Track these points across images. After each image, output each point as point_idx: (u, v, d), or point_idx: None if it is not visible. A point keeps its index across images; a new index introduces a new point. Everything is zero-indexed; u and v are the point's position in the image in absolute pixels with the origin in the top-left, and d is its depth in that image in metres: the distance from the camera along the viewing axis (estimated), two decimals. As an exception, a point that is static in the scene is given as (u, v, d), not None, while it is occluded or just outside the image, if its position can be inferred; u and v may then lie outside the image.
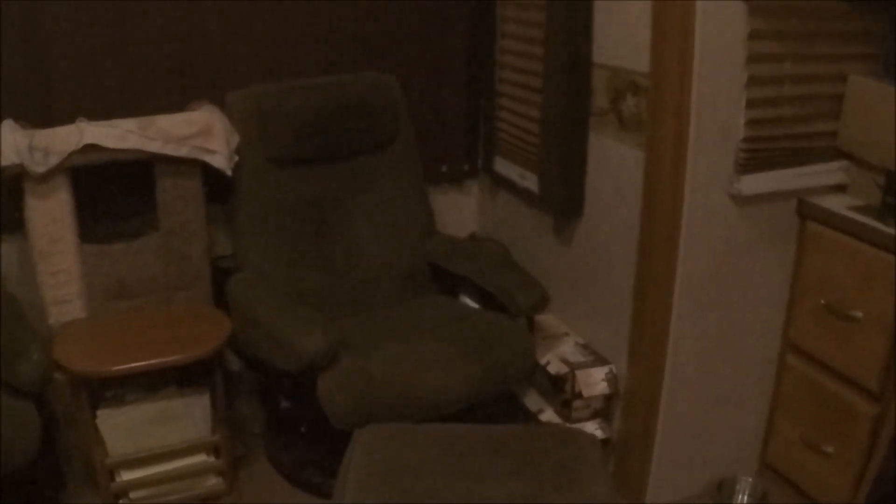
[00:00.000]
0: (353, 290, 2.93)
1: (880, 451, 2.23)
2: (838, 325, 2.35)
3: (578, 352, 2.78)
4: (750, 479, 2.68)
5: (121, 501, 2.54)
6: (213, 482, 2.63)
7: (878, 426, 2.28)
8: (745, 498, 2.67)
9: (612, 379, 2.70)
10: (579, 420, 2.74)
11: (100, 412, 2.49)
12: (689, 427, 2.59)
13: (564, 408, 2.75)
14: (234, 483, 2.74)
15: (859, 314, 2.28)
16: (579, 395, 2.68)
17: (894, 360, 2.22)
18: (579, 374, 2.67)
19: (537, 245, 3.09)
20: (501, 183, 3.26)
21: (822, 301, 2.40)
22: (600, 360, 2.73)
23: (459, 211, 3.48)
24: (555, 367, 2.75)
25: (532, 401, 2.89)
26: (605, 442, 2.77)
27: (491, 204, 3.41)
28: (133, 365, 2.38)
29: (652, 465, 2.59)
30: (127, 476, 2.50)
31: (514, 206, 3.20)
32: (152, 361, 2.40)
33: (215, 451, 2.62)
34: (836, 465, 2.42)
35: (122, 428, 2.46)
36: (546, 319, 3.01)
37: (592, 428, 2.75)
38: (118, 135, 2.55)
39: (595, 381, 2.68)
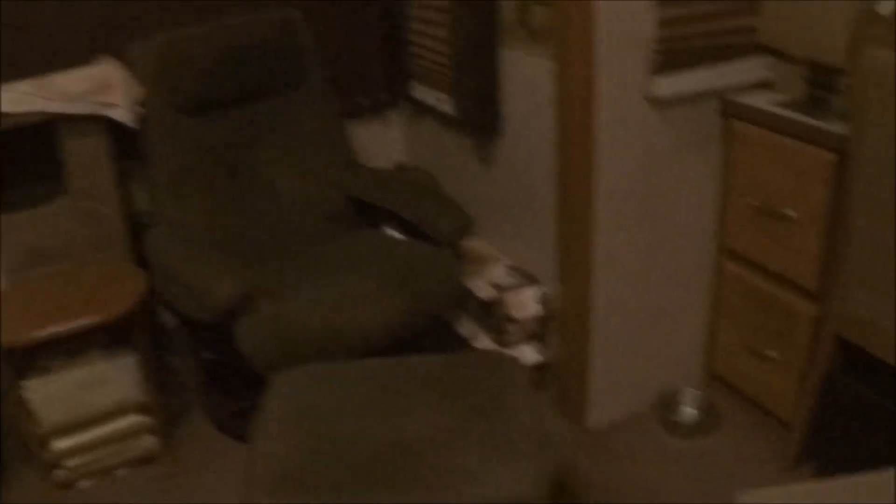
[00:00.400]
0: (275, 233, 2.83)
1: (824, 352, 2.20)
2: (772, 225, 2.30)
3: (509, 275, 2.71)
4: (695, 391, 2.64)
5: (57, 471, 2.49)
6: (147, 442, 2.58)
7: (818, 326, 2.24)
8: (692, 410, 2.64)
9: (544, 300, 2.63)
10: (514, 344, 2.68)
11: (26, 383, 2.42)
12: (627, 343, 2.54)
13: (498, 333, 2.69)
14: (171, 441, 2.67)
15: (792, 212, 2.23)
16: (511, 319, 2.62)
17: (831, 257, 2.17)
18: (509, 297, 2.61)
19: (462, 170, 3.00)
20: (422, 110, 3.16)
21: (755, 202, 2.35)
22: (531, 282, 2.66)
23: (385, 142, 3.38)
24: (484, 292, 2.68)
25: (466, 328, 2.83)
26: (543, 365, 2.71)
27: (415, 132, 3.31)
28: (48, 331, 2.30)
29: (590, 386, 2.54)
30: (60, 444, 2.46)
31: (437, 132, 3.10)
32: (68, 325, 2.32)
33: (147, 410, 2.56)
34: (780, 370, 2.39)
35: (51, 397, 2.42)
36: (475, 245, 2.94)
37: (528, 351, 2.69)
38: (14, 98, 2.45)
39: (526, 303, 2.62)
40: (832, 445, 2.19)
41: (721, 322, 2.60)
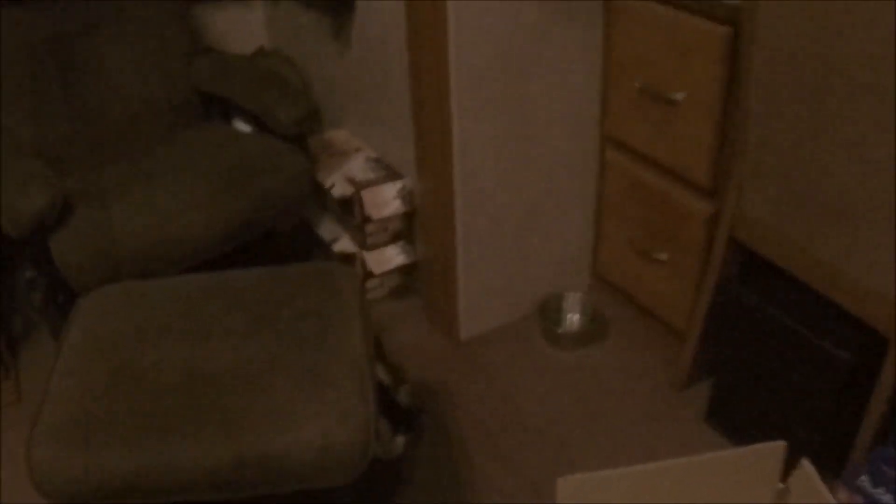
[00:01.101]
0: (110, 133, 2.42)
1: (718, 257, 1.88)
2: (658, 111, 1.95)
3: (369, 168, 2.34)
4: (579, 295, 2.33)
5: None
6: None
7: (712, 227, 1.91)
8: (575, 317, 2.33)
9: (407, 196, 2.27)
10: (377, 245, 2.34)
11: None
12: (499, 244, 2.21)
13: (358, 233, 2.34)
14: (13, 363, 2.37)
15: (680, 96, 1.86)
16: (368, 218, 2.26)
17: (725, 149, 1.82)
18: (366, 194, 2.25)
19: (322, 54, 2.59)
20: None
21: (637, 84, 1.98)
22: (392, 176, 2.30)
23: (246, 26, 2.96)
24: (340, 189, 2.31)
25: (327, 229, 2.48)
26: (410, 268, 2.38)
27: (276, 14, 2.86)
28: None
29: (459, 293, 2.21)
30: None
31: (297, 12, 2.67)
32: None
33: None
34: (672, 274, 2.08)
35: None
36: (336, 135, 2.56)
37: (393, 253, 2.35)
38: None
39: (386, 201, 2.26)
40: (727, 360, 1.90)
41: (606, 221, 2.27)
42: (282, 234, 2.41)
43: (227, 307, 1.65)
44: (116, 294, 1.73)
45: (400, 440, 1.90)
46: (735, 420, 1.92)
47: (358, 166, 2.35)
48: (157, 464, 1.38)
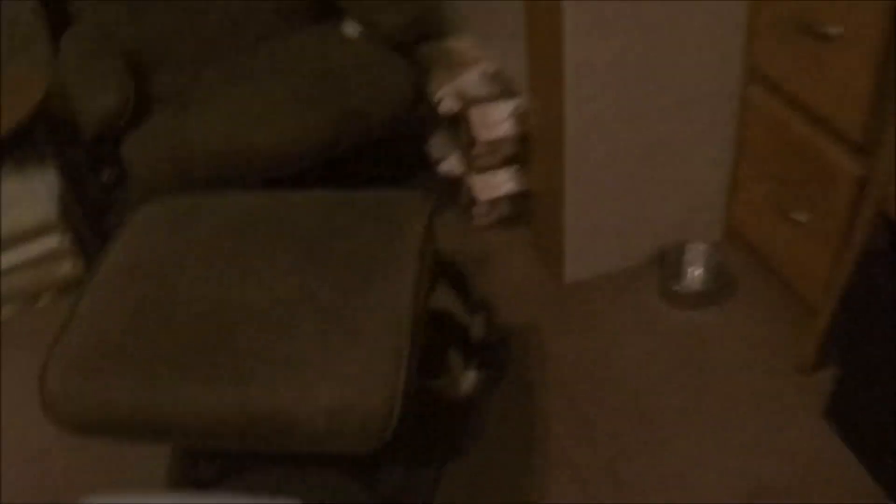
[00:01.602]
0: (211, 32, 2.30)
1: (864, 227, 1.56)
2: (809, 45, 1.61)
3: (483, 83, 2.11)
4: (704, 247, 2.04)
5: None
6: (67, 266, 2.29)
7: (861, 190, 1.59)
8: (697, 271, 2.05)
9: (521, 117, 2.03)
10: (485, 169, 2.13)
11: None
12: (615, 181, 1.96)
13: (466, 154, 2.13)
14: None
15: (836, 29, 1.53)
16: (475, 139, 2.05)
17: (883, 99, 1.48)
18: (475, 112, 2.03)
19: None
20: None
21: (788, 12, 1.64)
22: (507, 94, 2.06)
23: None
24: (448, 104, 2.10)
25: (436, 146, 2.28)
26: (523, 196, 2.16)
27: None
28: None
29: (566, 230, 1.99)
30: None
31: None
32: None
33: (65, 232, 2.26)
34: (811, 238, 1.77)
35: None
36: (458, 44, 2.33)
37: (503, 178, 2.14)
38: None
39: (497, 121, 2.04)
40: (861, 350, 1.59)
41: (744, 168, 1.96)
42: (385, 147, 2.24)
43: (277, 236, 1.51)
44: (169, 209, 1.63)
45: (471, 376, 1.71)
46: (858, 422, 1.62)
47: (472, 80, 2.12)
48: (164, 403, 1.28)
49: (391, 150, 2.30)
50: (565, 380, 1.84)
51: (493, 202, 2.19)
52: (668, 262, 2.04)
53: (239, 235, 1.52)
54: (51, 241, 2.25)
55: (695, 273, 2.05)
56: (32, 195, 2.23)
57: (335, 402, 1.23)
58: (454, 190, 2.27)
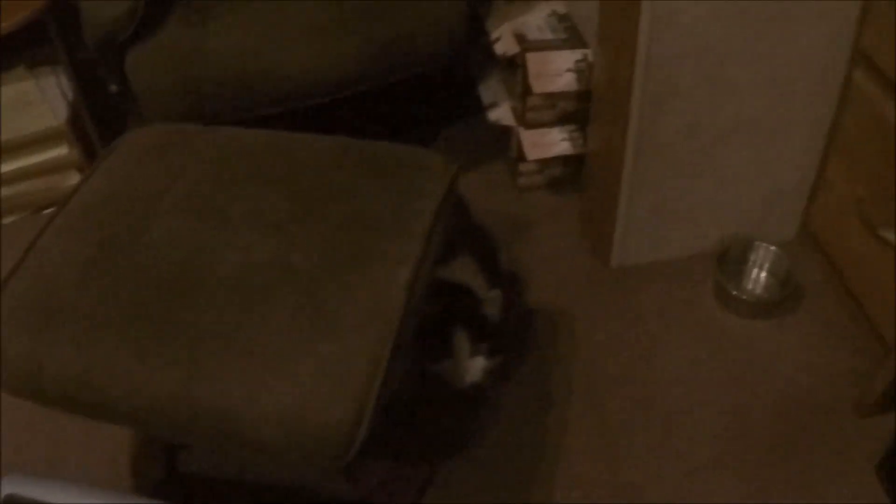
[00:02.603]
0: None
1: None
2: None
3: (548, 27, 1.84)
4: (774, 249, 1.76)
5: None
6: (75, 179, 2.14)
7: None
8: (763, 275, 1.78)
9: (585, 71, 1.76)
10: (538, 124, 1.88)
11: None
12: (683, 157, 1.68)
13: (519, 104, 1.87)
14: None
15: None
16: (529, 89, 1.78)
17: None
18: (532, 58, 1.76)
19: None
20: None
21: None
22: (572, 43, 1.78)
23: None
24: (504, 46, 1.83)
25: (489, 89, 2.02)
26: (578, 160, 1.89)
27: None
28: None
29: (619, 207, 1.73)
30: None
31: None
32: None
33: (74, 143, 2.09)
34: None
35: None
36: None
37: (557, 137, 1.88)
38: None
39: (556, 72, 1.78)
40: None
41: (834, 163, 1.66)
42: (431, 85, 1.98)
43: (269, 186, 1.29)
44: (158, 138, 1.42)
45: (479, 363, 1.47)
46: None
47: (535, 21, 1.85)
48: (97, 377, 1.09)
49: (437, 88, 2.04)
50: (592, 381, 1.61)
51: (543, 162, 1.93)
52: (729, 258, 1.77)
53: (227, 180, 1.30)
54: (59, 151, 2.09)
55: (759, 276, 1.78)
56: (42, 99, 2.06)
57: (288, 408, 1.02)
58: (503, 142, 2.01)
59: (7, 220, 2.13)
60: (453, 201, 1.30)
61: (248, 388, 1.03)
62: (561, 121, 1.86)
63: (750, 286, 1.78)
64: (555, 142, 1.87)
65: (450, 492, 1.45)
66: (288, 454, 1.04)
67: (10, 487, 1.09)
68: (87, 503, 1.10)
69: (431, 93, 2.14)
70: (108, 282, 1.15)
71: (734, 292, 1.70)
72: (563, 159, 1.92)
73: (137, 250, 1.19)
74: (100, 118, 2.18)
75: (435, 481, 1.47)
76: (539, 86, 1.77)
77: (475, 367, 1.46)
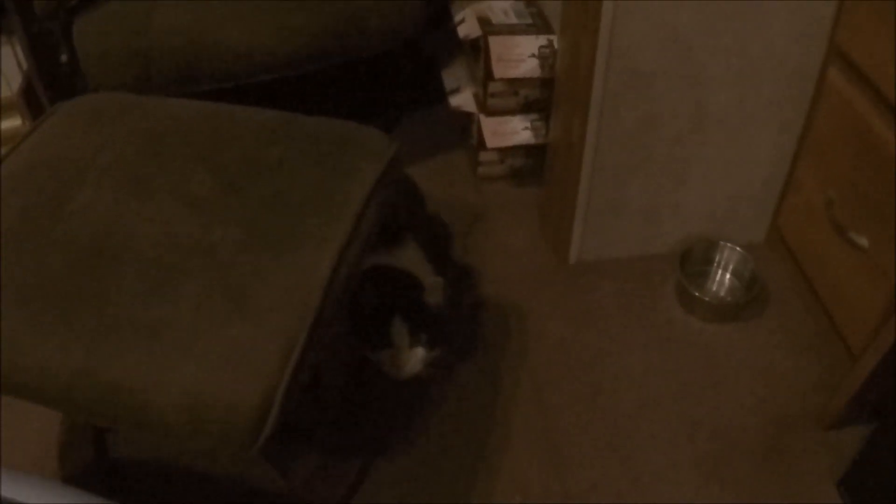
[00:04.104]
0: None
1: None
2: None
3: (513, 11, 1.76)
4: (739, 250, 1.69)
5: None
6: None
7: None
8: (727, 276, 1.71)
9: (549, 58, 1.68)
10: (500, 112, 1.80)
11: None
12: (648, 153, 1.62)
13: (481, 90, 1.79)
14: None
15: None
16: (490, 74, 1.71)
17: None
18: (495, 42, 1.69)
19: None
20: None
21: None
22: (537, 29, 1.71)
23: None
24: (465, 29, 1.76)
25: (452, 74, 1.94)
26: (540, 150, 1.82)
27: None
28: None
29: (578, 200, 1.65)
30: None
31: None
32: None
33: (28, 114, 2.03)
34: (867, 268, 1.41)
35: None
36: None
37: (518, 126, 1.81)
38: None
39: (518, 58, 1.70)
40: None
41: (805, 163, 1.59)
42: (389, 67, 1.90)
43: (199, 158, 1.21)
44: (93, 106, 1.35)
45: (418, 354, 1.39)
46: (878, 498, 1.29)
47: (501, 5, 1.77)
48: (8, 352, 1.00)
49: (399, 72, 1.97)
50: (541, 381, 1.53)
51: (504, 151, 1.86)
52: (693, 258, 1.70)
53: (155, 151, 1.23)
54: (11, 122, 2.04)
55: (723, 278, 1.71)
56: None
57: (193, 390, 0.95)
58: (464, 129, 1.94)
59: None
60: (394, 183, 1.22)
61: (152, 369, 0.96)
62: (523, 109, 1.79)
63: (713, 288, 1.71)
64: (516, 130, 1.80)
65: (384, 489, 1.37)
66: (194, 439, 0.97)
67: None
68: (13, 489, 0.98)
69: (393, 76, 2.06)
70: (21, 252, 1.09)
71: (696, 294, 1.63)
72: (525, 149, 1.85)
73: (55, 220, 1.13)
74: (54, 90, 2.10)
75: (369, 477, 1.39)
76: (500, 70, 1.70)
77: (415, 357, 1.39)
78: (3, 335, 1.01)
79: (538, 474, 1.39)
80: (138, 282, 1.05)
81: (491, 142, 1.81)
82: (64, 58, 1.93)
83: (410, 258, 1.44)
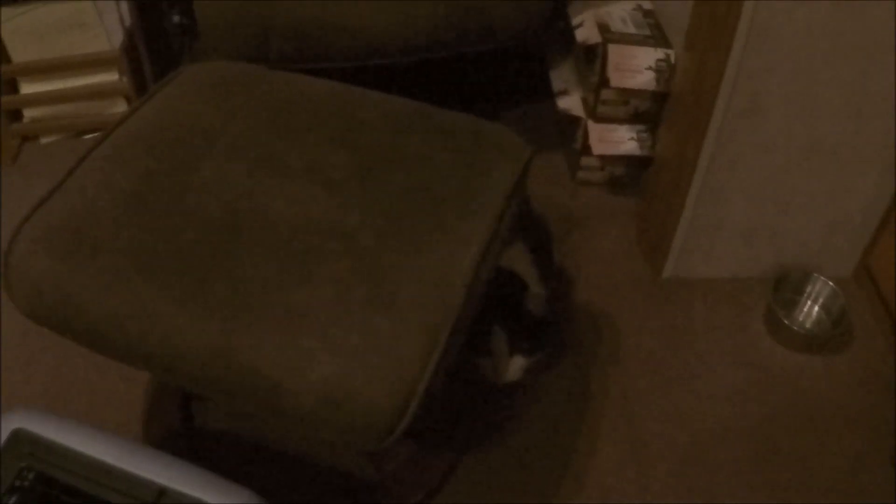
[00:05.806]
0: None
1: None
2: None
3: (631, 20, 1.76)
4: (831, 285, 1.69)
5: (17, 125, 2.09)
6: (122, 108, 2.10)
7: None
8: (815, 308, 1.71)
9: (665, 72, 1.69)
10: (608, 119, 1.80)
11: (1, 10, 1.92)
12: (758, 175, 1.61)
13: (592, 95, 1.80)
14: None
15: None
16: (606, 82, 1.71)
17: None
18: (614, 49, 1.69)
19: None
20: None
21: None
22: (656, 40, 1.71)
23: None
24: (584, 33, 1.76)
25: (560, 75, 1.95)
26: (643, 163, 1.82)
27: None
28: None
29: (682, 216, 1.66)
30: (28, 89, 2.05)
31: None
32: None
33: (125, 71, 2.05)
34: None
35: (25, 31, 1.96)
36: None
37: (625, 136, 1.81)
38: None
39: (635, 68, 1.70)
40: None
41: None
42: (501, 62, 1.91)
43: (337, 139, 1.21)
44: (219, 74, 1.33)
45: (518, 363, 1.41)
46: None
47: (619, 13, 1.78)
48: (130, 318, 1.01)
49: (507, 67, 1.97)
50: (630, 394, 1.55)
51: (606, 159, 1.87)
52: (785, 286, 1.70)
53: (287, 127, 1.23)
54: (109, 76, 2.06)
55: (811, 310, 1.71)
56: (98, 22, 2.00)
57: (332, 381, 0.95)
58: (567, 132, 1.94)
59: (46, 139, 2.08)
60: (525, 186, 1.23)
61: (290, 353, 0.96)
62: (631, 119, 1.79)
63: (801, 318, 1.71)
64: (623, 140, 1.80)
65: (470, 485, 1.39)
66: (325, 430, 0.98)
67: (17, 422, 0.97)
68: (102, 450, 0.98)
69: (499, 70, 2.07)
70: (150, 218, 1.08)
71: (786, 321, 1.63)
72: (627, 159, 1.85)
73: (184, 189, 1.12)
74: (155, 50, 2.12)
75: (456, 474, 1.41)
76: (617, 79, 1.70)
77: (514, 366, 1.41)
78: (136, 303, 1.00)
79: (620, 482, 1.41)
80: (274, 261, 1.04)
81: (597, 148, 1.81)
82: (177, 18, 1.95)
83: (518, 258, 1.45)
